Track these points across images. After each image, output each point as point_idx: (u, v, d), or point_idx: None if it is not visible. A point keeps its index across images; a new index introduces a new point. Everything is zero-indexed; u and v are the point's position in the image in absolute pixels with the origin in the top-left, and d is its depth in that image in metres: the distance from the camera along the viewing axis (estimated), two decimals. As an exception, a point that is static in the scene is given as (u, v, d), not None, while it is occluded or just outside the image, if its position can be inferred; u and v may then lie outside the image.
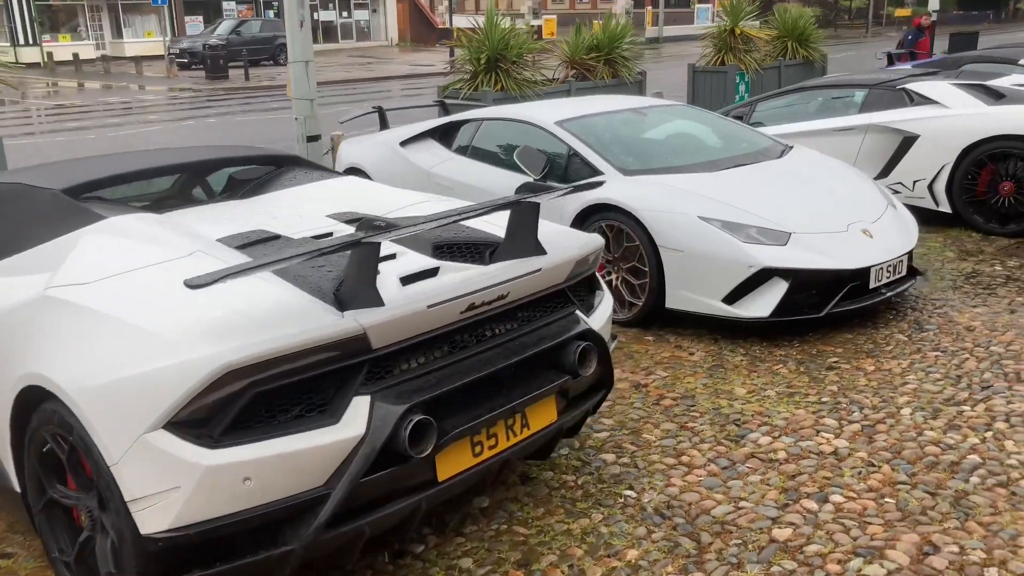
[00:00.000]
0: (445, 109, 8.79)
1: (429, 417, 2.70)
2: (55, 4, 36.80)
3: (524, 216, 3.25)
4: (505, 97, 10.55)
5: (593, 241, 3.57)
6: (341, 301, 2.72)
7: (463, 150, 6.91)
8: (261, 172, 4.40)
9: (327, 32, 43.99)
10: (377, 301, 2.71)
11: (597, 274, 3.80)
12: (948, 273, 6.34)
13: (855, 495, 3.50)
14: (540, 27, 42.36)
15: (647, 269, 5.36)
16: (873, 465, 3.72)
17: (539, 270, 3.16)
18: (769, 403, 4.38)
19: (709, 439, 4.05)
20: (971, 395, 4.33)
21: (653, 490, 3.63)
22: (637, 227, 5.36)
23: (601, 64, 12.03)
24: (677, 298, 5.31)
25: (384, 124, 8.29)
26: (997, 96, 7.51)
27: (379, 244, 2.72)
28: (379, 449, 2.62)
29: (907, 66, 11.38)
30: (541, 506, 3.55)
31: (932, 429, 4.01)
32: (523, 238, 3.25)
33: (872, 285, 5.25)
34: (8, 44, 35.76)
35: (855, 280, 5.19)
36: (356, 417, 2.64)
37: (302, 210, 3.71)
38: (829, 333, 5.26)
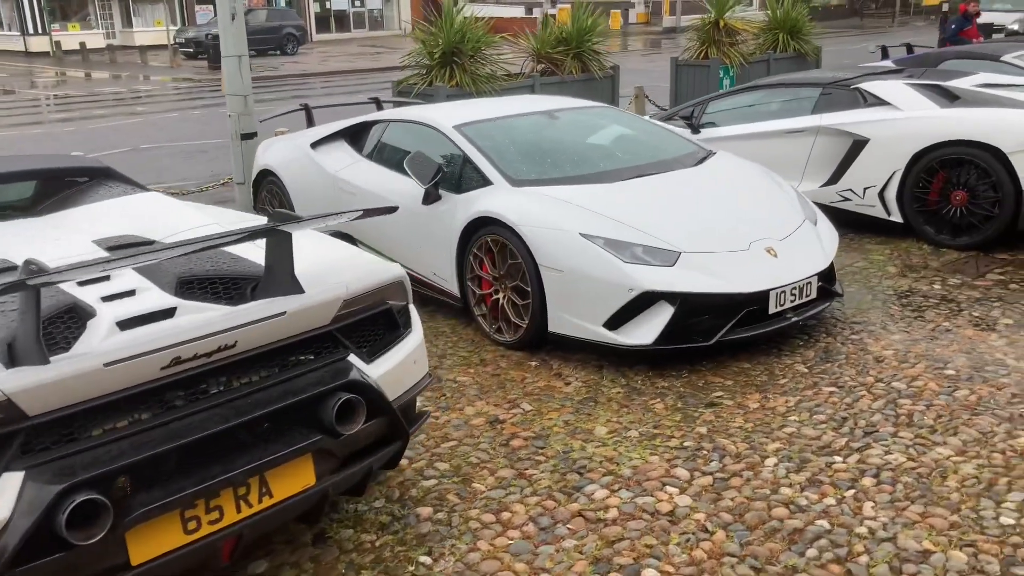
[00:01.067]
0: (379, 107, 8.36)
1: (100, 496, 2.30)
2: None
3: (278, 248, 2.83)
4: (459, 93, 10.12)
5: (381, 274, 3.15)
6: (13, 356, 2.33)
7: (370, 154, 6.49)
8: (71, 185, 4.02)
9: (340, 21, 43.71)
10: (38, 358, 2.30)
11: (411, 309, 3.38)
12: (881, 292, 5.84)
13: (671, 570, 3.05)
14: (554, 15, 41.96)
15: (530, 289, 4.93)
16: (707, 531, 3.27)
17: (283, 313, 2.74)
18: (625, 447, 3.94)
19: (542, 491, 3.62)
20: (849, 442, 3.86)
21: (452, 556, 3.21)
22: (519, 243, 4.93)
23: (569, 59, 11.55)
24: (559, 322, 4.87)
25: (311, 124, 7.88)
26: (952, 98, 6.96)
27: (39, 288, 2.32)
28: (28, 535, 2.22)
29: (887, 62, 10.80)
30: (323, 575, 3.15)
31: (791, 485, 3.55)
32: (279, 273, 2.84)
33: (773, 310, 4.78)
34: (18, 33, 35.87)
35: (752, 304, 4.72)
36: (1, 498, 2.24)
37: (69, 234, 3.32)
38: (726, 361, 4.80)
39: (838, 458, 3.73)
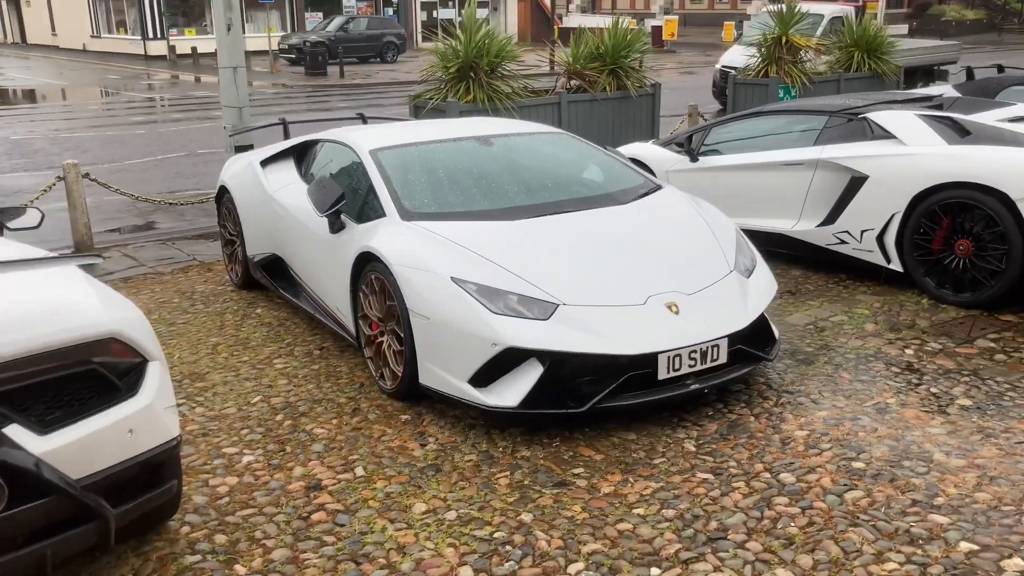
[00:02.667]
0: (364, 123, 8.02)
1: None
2: (183, -1, 38.21)
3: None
4: (473, 109, 9.70)
5: (82, 329, 2.75)
6: None
7: (304, 174, 6.15)
8: None
9: (447, 31, 43.87)
10: None
11: (149, 368, 2.97)
12: (841, 354, 5.10)
13: None
14: (660, 28, 41.00)
15: (403, 335, 4.46)
16: (441, 656, 2.74)
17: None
18: (429, 532, 3.42)
19: (304, 582, 3.15)
20: (680, 550, 3.24)
21: (146, 659, 2.78)
22: (394, 284, 4.47)
23: (604, 75, 10.96)
24: (428, 374, 4.38)
25: (287, 138, 7.61)
26: (963, 133, 6.10)
27: None
28: None
29: (945, 88, 9.81)
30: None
31: (578, 602, 2.98)
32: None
33: (664, 375, 4.16)
34: (139, 37, 37.46)
35: (637, 368, 4.11)
36: None
37: None
38: (612, 429, 4.22)
39: (655, 571, 3.11)
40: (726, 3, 58.27)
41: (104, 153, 14.42)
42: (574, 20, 50.76)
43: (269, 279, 6.26)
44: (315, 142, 6.25)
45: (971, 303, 5.80)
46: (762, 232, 6.96)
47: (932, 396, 4.49)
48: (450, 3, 43.77)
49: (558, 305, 4.15)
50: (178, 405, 3.84)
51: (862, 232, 6.32)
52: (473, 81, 9.85)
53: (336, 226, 5.12)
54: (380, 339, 4.72)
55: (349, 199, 5.21)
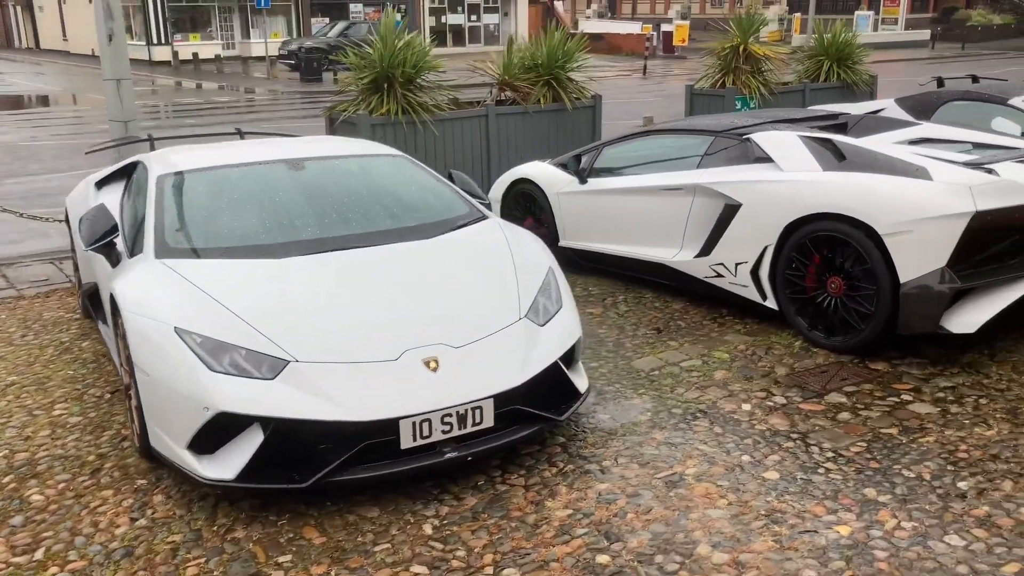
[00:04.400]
0: (241, 138, 7.55)
1: None
2: (188, 4, 38.14)
3: None
4: (386, 123, 9.20)
5: None
6: None
7: (124, 198, 5.68)
8: None
9: (457, 35, 43.62)
10: None
11: None
12: (668, 408, 4.53)
13: None
14: (671, 33, 40.22)
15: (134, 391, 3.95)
16: None
17: None
18: (57, 641, 2.92)
19: None
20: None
21: None
22: (124, 332, 3.97)
23: (539, 87, 10.40)
24: (155, 436, 3.86)
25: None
26: (840, 157, 5.47)
27: None
28: None
29: (872, 104, 9.14)
30: None
31: None
32: None
33: (409, 443, 3.61)
34: (144, 43, 37.47)
35: (375, 436, 3.57)
36: None
37: None
38: (360, 503, 3.68)
39: None
40: (745, 8, 57.40)
41: (60, 163, 14.13)
42: (592, 26, 50.19)
43: (92, 309, 5.79)
44: (136, 163, 5.78)
45: (843, 347, 5.19)
46: (645, 262, 6.41)
47: (738, 467, 3.90)
48: (459, 8, 43.42)
49: (289, 362, 3.62)
50: None
51: (736, 265, 5.74)
52: (387, 93, 9.33)
53: (113, 260, 4.64)
54: (130, 391, 4.23)
55: (131, 230, 4.73)
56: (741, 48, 12.07)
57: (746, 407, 4.52)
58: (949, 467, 3.83)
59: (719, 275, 5.87)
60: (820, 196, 5.20)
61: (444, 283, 4.21)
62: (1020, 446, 3.99)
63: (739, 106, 12.13)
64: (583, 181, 6.90)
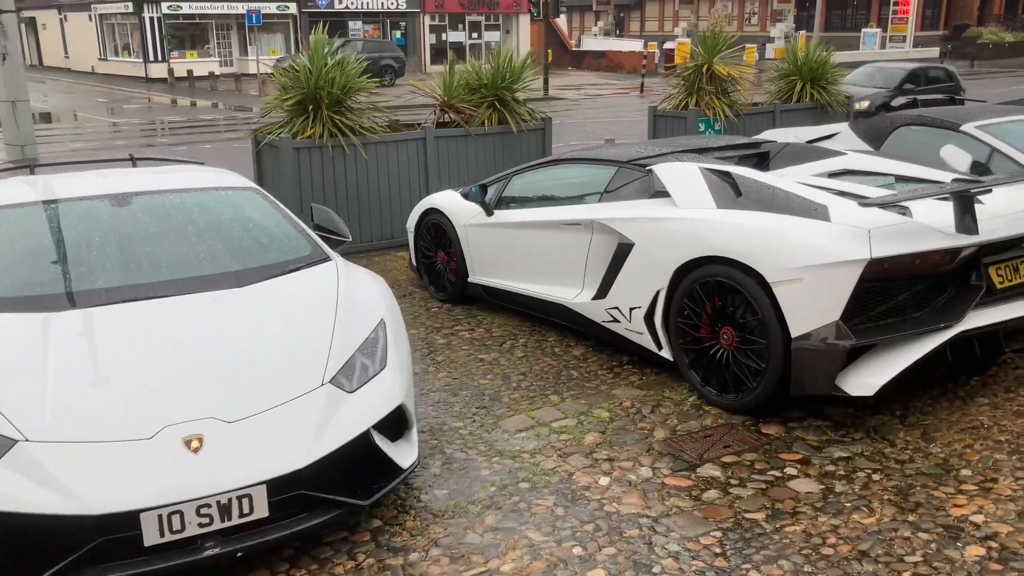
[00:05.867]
0: (134, 165, 7.05)
1: None
2: (186, 22, 38.00)
3: None
4: (311, 146, 8.73)
5: None
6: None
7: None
8: None
9: (458, 52, 43.23)
10: None
11: None
12: (514, 483, 3.97)
13: None
14: (672, 52, 39.67)
15: None
16: None
17: None
18: None
19: None
20: None
21: None
22: None
23: (483, 108, 9.88)
24: None
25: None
26: (737, 192, 4.91)
27: None
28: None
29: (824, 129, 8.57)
30: None
31: None
32: None
33: (157, 539, 3.07)
34: (140, 60, 37.34)
35: (114, 531, 3.03)
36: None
37: None
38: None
39: None
40: (756, 25, 56.85)
41: None
42: (595, 43, 49.77)
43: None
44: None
45: (735, 407, 4.62)
46: (548, 302, 5.86)
47: (562, 563, 3.34)
48: (460, 26, 43.13)
49: (17, 441, 3.10)
50: None
51: (631, 310, 5.18)
52: (314, 115, 8.85)
53: None
54: None
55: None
56: (705, 68, 11.53)
57: (604, 481, 3.95)
58: (806, 567, 3.25)
59: (615, 320, 5.32)
60: (711, 237, 4.65)
61: (239, 342, 3.67)
62: (896, 540, 3.40)
63: (702, 128, 11.60)
64: (489, 213, 6.37)
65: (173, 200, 4.69)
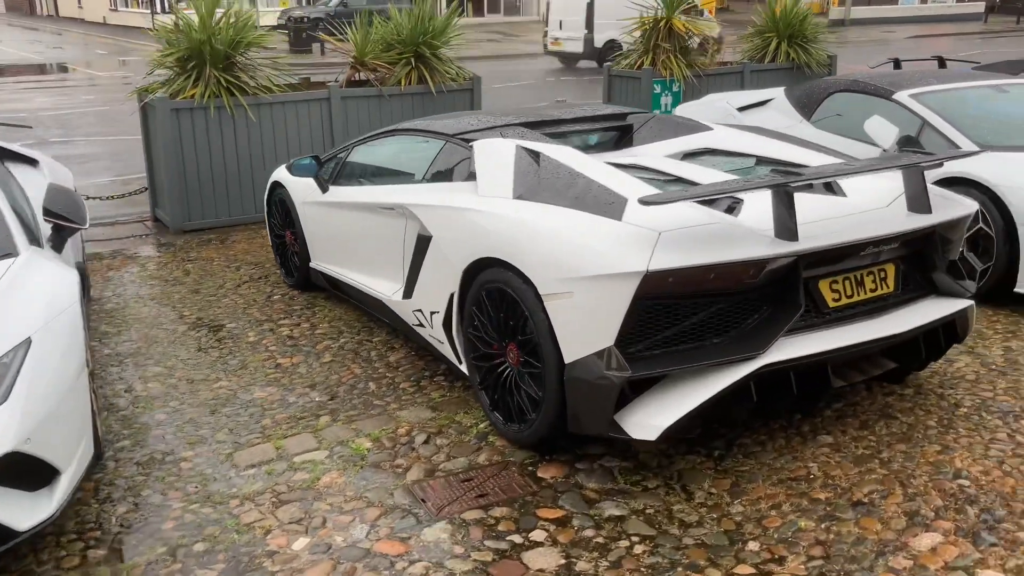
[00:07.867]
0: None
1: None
2: (196, -29, 37.22)
3: None
4: (194, 106, 7.93)
5: None
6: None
7: None
8: None
9: (477, 5, 42.13)
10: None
11: None
12: (189, 545, 3.21)
13: None
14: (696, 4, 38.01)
15: None
16: None
17: None
18: None
19: None
20: None
21: None
22: None
23: (400, 66, 8.99)
24: None
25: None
26: (539, 178, 4.01)
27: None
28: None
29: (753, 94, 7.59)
30: None
31: None
32: None
33: None
34: (148, 10, 36.73)
35: None
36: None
37: None
38: None
39: None
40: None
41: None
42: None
43: None
44: None
45: (518, 440, 3.81)
46: (370, 296, 5.07)
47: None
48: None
49: None
50: None
51: (431, 314, 4.37)
52: (197, 73, 8.04)
53: None
54: None
55: None
56: (663, 23, 10.49)
57: (299, 545, 3.17)
58: None
59: (420, 324, 4.50)
60: (492, 234, 3.80)
61: None
62: (595, 659, 2.58)
63: (658, 90, 10.62)
64: (324, 189, 5.56)
65: None
